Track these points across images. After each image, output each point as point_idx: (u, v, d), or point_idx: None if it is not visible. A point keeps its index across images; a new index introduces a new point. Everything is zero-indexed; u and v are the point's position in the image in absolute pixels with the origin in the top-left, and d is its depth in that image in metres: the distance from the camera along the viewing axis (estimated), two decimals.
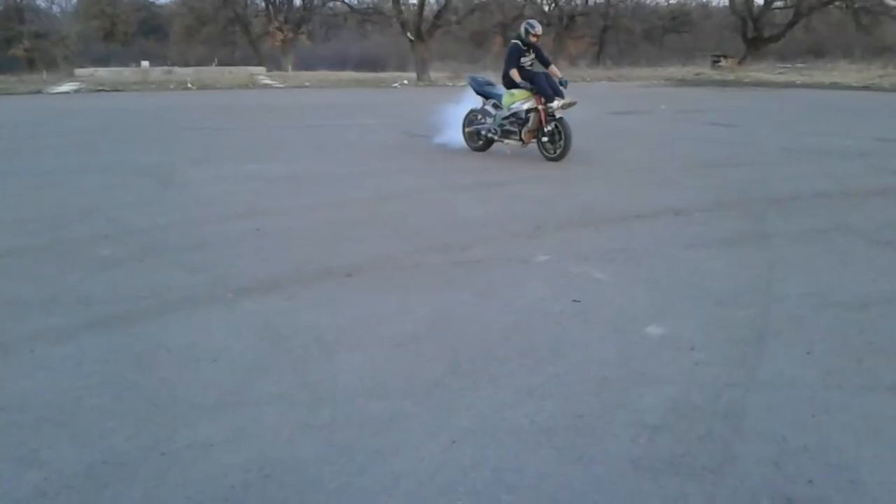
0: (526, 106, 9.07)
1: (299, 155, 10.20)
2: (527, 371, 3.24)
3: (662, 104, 18.91)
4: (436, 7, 38.35)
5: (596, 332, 3.68)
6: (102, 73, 29.91)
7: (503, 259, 4.97)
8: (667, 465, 2.53)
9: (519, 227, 5.85)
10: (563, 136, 8.91)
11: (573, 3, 47.05)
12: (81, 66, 32.21)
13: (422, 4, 36.62)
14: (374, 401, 2.98)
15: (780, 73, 32.73)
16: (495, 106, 9.55)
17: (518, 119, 9.21)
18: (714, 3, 46.02)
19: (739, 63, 37.84)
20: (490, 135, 9.67)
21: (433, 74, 33.64)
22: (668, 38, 48.73)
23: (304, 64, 41.31)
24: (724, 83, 29.59)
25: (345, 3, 43.99)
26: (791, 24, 40.03)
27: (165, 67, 31.57)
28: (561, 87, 8.95)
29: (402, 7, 37.21)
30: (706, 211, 6.34)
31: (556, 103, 8.81)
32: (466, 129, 10.07)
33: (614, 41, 47.50)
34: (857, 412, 2.87)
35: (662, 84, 30.10)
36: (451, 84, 30.33)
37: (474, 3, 41.58)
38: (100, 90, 24.91)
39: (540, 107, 8.94)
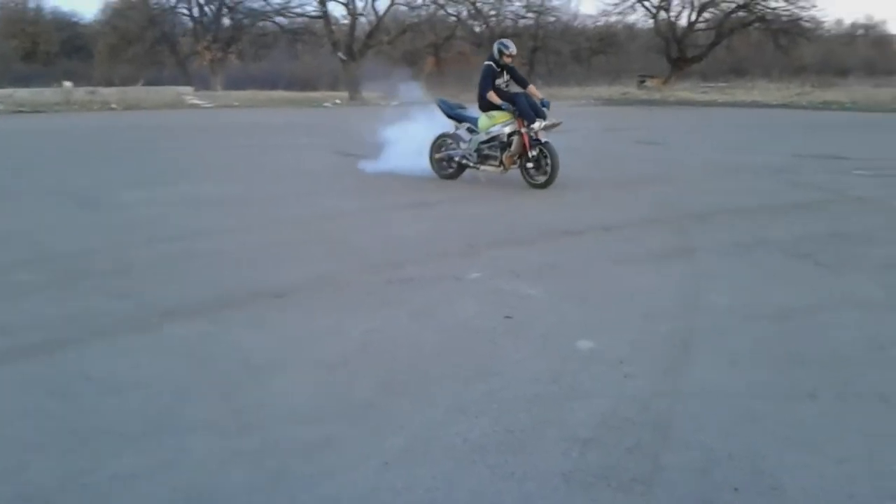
0: (508, 129, 8.57)
1: (230, 176, 10.05)
2: (460, 389, 3.25)
3: (591, 122, 19.31)
4: (367, 27, 38.47)
5: (527, 348, 3.72)
6: (22, 93, 28.86)
7: (436, 277, 4.98)
8: (597, 478, 2.56)
9: (452, 245, 5.88)
10: (549, 162, 8.40)
11: (503, 25, 47.78)
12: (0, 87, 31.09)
13: (353, 24, 36.77)
14: (305, 425, 2.94)
15: (704, 92, 33.86)
16: (470, 130, 8.99)
17: (500, 143, 8.70)
18: (639, 26, 47.32)
19: (664, 83, 38.99)
20: (465, 161, 9.05)
21: (365, 94, 33.66)
22: (595, 58, 49.86)
23: (234, 83, 40.75)
24: (650, 102, 30.45)
25: (275, 22, 43.65)
26: (713, 45, 41.53)
27: (89, 88, 30.71)
28: (543, 109, 8.53)
29: (334, 27, 37.23)
30: (634, 227, 6.49)
31: (537, 125, 8.36)
32: (436, 156, 9.34)
33: (544, 62, 48.35)
34: (780, 420, 2.96)
35: (592, 103, 30.78)
36: (383, 104, 30.37)
37: (406, 23, 41.81)
38: (19, 111, 24.07)
39: (523, 130, 8.44)
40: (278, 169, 10.95)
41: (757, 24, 40.89)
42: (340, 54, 35.50)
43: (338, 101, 32.09)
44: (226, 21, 43.71)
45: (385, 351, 3.71)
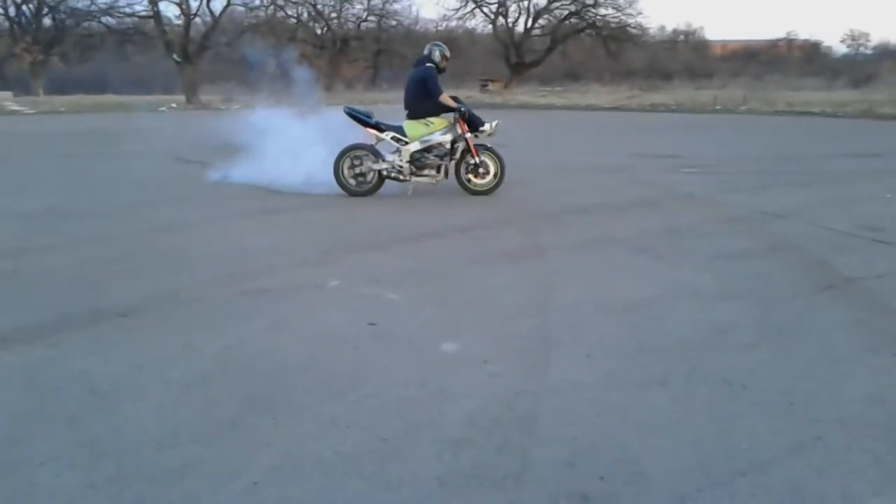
0: (449, 136, 8.21)
1: (57, 187, 9.37)
2: (328, 400, 3.18)
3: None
4: (203, 27, 37.14)
5: (394, 354, 3.70)
6: None
7: (293, 287, 4.86)
8: (470, 479, 2.59)
9: (307, 253, 5.76)
10: (499, 166, 8.34)
11: (346, 28, 47.60)
12: None
13: (188, 25, 35.40)
14: (163, 450, 2.77)
15: (542, 96, 35.35)
16: (396, 139, 8.27)
17: (443, 150, 8.27)
18: (479, 31, 48.64)
19: (505, 87, 40.33)
20: (394, 173, 8.30)
21: (204, 97, 32.48)
22: None
23: (58, 87, 38.13)
24: (493, 106, 31.27)
25: (102, 22, 41.12)
26: (549, 51, 43.46)
27: None
28: None
29: (167, 27, 35.66)
30: (487, 228, 6.61)
31: (488, 127, 8.27)
32: (352, 171, 8.34)
33: (388, 65, 48.65)
34: (636, 408, 3.11)
35: None
36: (223, 107, 29.41)
37: (245, 24, 40.70)
38: None
39: (468, 135, 8.20)
40: (111, 178, 10.32)
41: (588, 31, 43.24)
42: (175, 56, 34.01)
43: (174, 104, 30.76)
44: (46, 21, 40.72)
45: (245, 366, 3.57)
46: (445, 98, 8.23)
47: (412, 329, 4.06)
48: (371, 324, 4.11)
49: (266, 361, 3.62)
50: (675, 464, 2.67)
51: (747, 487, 2.53)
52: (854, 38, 54.73)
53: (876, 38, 62.06)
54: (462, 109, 8.16)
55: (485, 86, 40.42)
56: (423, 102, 8.28)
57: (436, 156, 8.31)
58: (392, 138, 8.29)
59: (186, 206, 7.98)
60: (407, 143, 8.25)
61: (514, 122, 22.26)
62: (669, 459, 2.70)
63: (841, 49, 54.61)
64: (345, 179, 8.35)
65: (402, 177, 8.34)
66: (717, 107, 25.80)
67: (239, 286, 4.86)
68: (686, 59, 48.69)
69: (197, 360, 3.64)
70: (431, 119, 8.29)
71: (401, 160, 8.27)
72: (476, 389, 3.29)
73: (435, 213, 7.41)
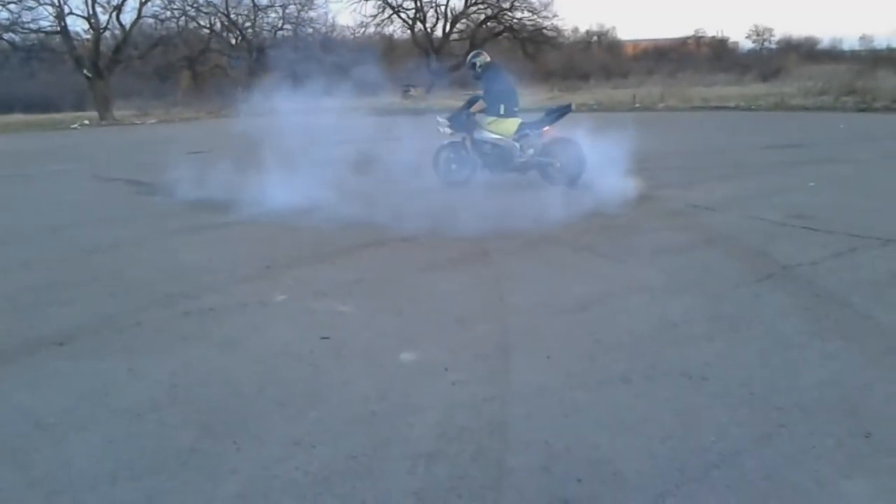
0: None
1: None
2: (289, 420, 3.07)
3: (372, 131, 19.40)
4: (113, 41, 35.96)
5: (351, 368, 3.61)
6: None
7: (238, 304, 4.70)
8: (448, 491, 2.54)
9: (248, 268, 5.59)
10: None
11: (261, 36, 46.82)
12: None
13: (97, 39, 34.16)
14: (121, 484, 2.63)
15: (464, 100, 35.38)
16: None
17: None
18: (396, 36, 48.58)
19: (428, 92, 40.31)
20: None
21: (117, 113, 31.48)
22: (357, 69, 50.42)
23: None
24: (416, 112, 31.27)
25: (4, 39, 39.26)
26: (468, 55, 43.67)
27: None
28: None
29: (76, 42, 34.36)
30: (428, 235, 6.50)
31: None
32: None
33: (306, 73, 48.08)
34: (602, 407, 3.11)
35: (365, 113, 31.04)
36: (139, 122, 28.64)
37: (156, 37, 39.57)
38: None
39: None
40: (31, 201, 9.86)
41: (506, 34, 43.71)
42: (85, 71, 32.77)
43: (86, 121, 29.62)
44: None
45: (196, 391, 3.42)
46: None
47: (367, 341, 3.97)
48: (324, 338, 4.01)
49: (218, 384, 3.49)
50: (648, 461, 2.68)
51: (722, 480, 2.55)
52: (759, 34, 56.73)
53: (779, 33, 64.69)
54: None
55: (407, 91, 40.33)
56: None
57: None
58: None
59: (115, 225, 7.64)
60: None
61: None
62: (642, 457, 2.71)
63: (747, 44, 56.54)
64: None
65: None
66: (637, 105, 26.38)
67: (180, 307, 4.68)
68: (601, 59, 49.66)
69: (144, 387, 3.48)
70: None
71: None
72: (440, 399, 3.24)
73: (375, 223, 7.20)
